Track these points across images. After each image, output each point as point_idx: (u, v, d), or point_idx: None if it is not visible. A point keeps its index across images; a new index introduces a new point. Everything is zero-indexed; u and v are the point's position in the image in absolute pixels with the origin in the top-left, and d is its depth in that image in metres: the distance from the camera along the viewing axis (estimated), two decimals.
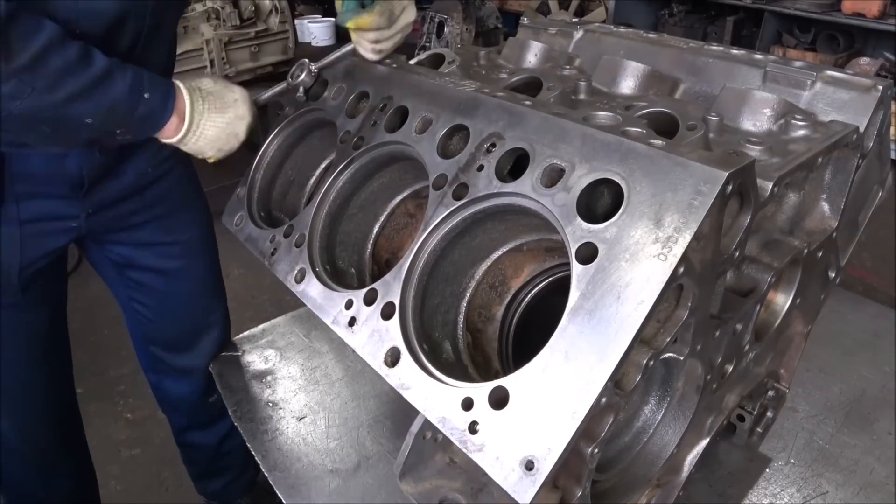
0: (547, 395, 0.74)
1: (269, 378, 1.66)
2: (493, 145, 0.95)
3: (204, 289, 1.76)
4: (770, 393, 1.36)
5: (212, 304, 1.80)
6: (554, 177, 0.86)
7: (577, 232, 0.79)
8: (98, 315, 3.33)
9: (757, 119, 1.12)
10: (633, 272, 0.73)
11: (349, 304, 1.00)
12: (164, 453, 2.66)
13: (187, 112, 1.21)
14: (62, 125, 1.12)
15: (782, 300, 1.16)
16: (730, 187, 0.74)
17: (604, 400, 0.72)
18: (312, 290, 1.08)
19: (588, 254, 0.77)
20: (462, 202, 0.95)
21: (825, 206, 1.18)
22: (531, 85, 1.26)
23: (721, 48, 1.34)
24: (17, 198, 1.30)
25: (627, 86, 1.26)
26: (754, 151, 1.01)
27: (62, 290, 1.56)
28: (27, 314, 1.46)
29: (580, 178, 0.83)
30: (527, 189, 0.87)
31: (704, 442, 1.14)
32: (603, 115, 0.93)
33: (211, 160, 1.32)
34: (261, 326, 1.85)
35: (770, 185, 0.89)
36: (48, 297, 1.51)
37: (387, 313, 0.94)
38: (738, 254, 0.91)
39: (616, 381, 0.76)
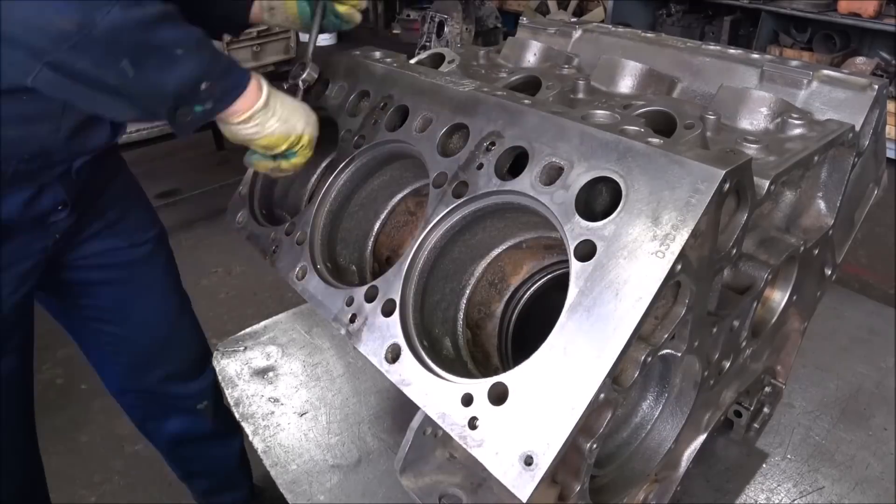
0: (546, 390, 0.75)
1: (270, 374, 1.67)
2: (493, 144, 0.96)
3: (167, 292, 1.74)
4: (767, 389, 1.37)
5: (179, 308, 1.78)
6: (553, 175, 0.87)
7: (575, 229, 0.80)
8: None
9: (754, 118, 1.13)
10: (631, 269, 0.74)
11: (350, 301, 1.01)
12: None
13: (264, 82, 1.12)
14: (149, 57, 0.95)
15: (779, 297, 1.17)
16: (727, 185, 0.75)
17: (602, 396, 0.73)
18: (314, 287, 1.09)
19: (586, 251, 0.78)
20: (462, 200, 0.96)
21: (821, 204, 1.19)
22: (530, 84, 1.27)
23: (718, 48, 1.35)
24: None
25: (626, 85, 1.27)
26: (751, 150, 1.02)
27: (31, 337, 1.49)
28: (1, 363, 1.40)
29: (579, 177, 0.84)
30: (526, 187, 0.88)
31: (702, 437, 1.15)
32: (601, 114, 0.94)
33: (282, 148, 1.15)
34: (262, 323, 1.86)
35: (767, 184, 0.90)
36: (21, 346, 1.45)
37: (387, 310, 0.95)
38: (735, 251, 0.92)
39: (614, 377, 0.77)
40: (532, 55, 1.44)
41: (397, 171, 1.28)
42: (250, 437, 1.49)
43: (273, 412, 1.54)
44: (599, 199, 0.88)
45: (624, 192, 0.79)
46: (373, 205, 1.30)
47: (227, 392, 1.62)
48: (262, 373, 1.67)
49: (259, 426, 1.51)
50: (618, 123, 0.90)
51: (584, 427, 0.81)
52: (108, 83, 0.95)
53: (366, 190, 1.27)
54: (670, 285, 0.76)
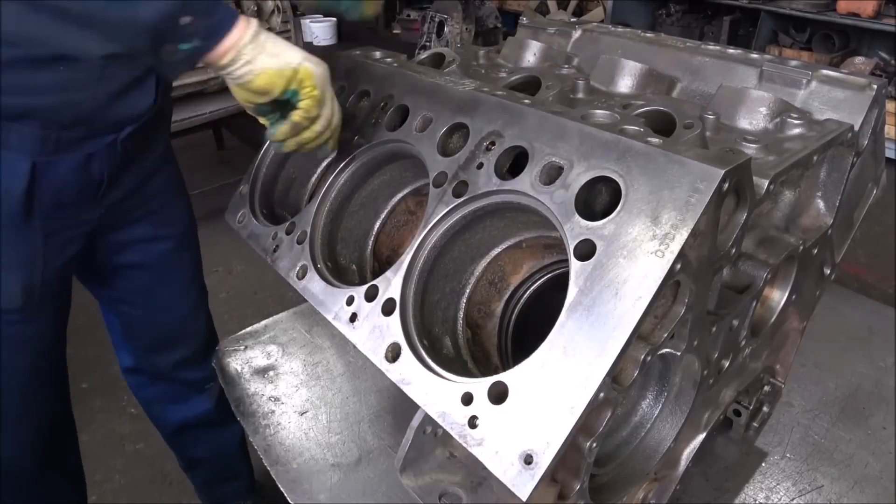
0: (545, 390, 0.75)
1: (270, 373, 1.67)
2: (493, 143, 0.96)
3: (191, 283, 1.81)
4: (766, 388, 1.37)
5: (199, 297, 1.85)
6: (552, 174, 0.87)
7: (575, 229, 0.81)
8: None
9: (753, 117, 1.13)
10: (630, 269, 0.75)
11: (350, 301, 1.01)
12: (167, 448, 2.67)
13: (253, 20, 1.06)
14: None
15: (778, 296, 1.17)
16: (726, 185, 0.76)
17: (602, 395, 0.73)
18: (314, 286, 1.10)
19: (586, 250, 0.79)
20: (462, 199, 0.96)
21: (820, 204, 1.20)
22: (530, 84, 1.27)
23: (717, 47, 1.35)
24: (41, 212, 1.27)
25: (625, 85, 1.27)
26: (750, 149, 1.02)
27: (69, 299, 1.55)
28: (37, 326, 1.44)
29: (578, 176, 0.84)
30: (526, 187, 0.88)
31: (701, 436, 1.16)
32: (601, 114, 0.95)
33: (279, 87, 1.07)
34: (263, 322, 1.86)
35: (766, 183, 0.90)
36: (59, 307, 1.50)
37: (387, 309, 0.95)
38: (734, 250, 0.92)
39: (614, 377, 0.78)
40: (532, 55, 1.44)
41: (397, 170, 1.28)
42: (251, 437, 1.49)
43: (273, 411, 1.55)
44: (599, 199, 0.89)
45: (623, 192, 0.79)
46: (373, 204, 1.30)
47: (228, 391, 1.63)
48: (262, 372, 1.67)
49: (259, 425, 1.51)
50: (617, 123, 0.91)
51: (584, 426, 0.81)
52: (73, 10, 0.95)
53: (366, 189, 1.28)
54: (670, 284, 0.76)
